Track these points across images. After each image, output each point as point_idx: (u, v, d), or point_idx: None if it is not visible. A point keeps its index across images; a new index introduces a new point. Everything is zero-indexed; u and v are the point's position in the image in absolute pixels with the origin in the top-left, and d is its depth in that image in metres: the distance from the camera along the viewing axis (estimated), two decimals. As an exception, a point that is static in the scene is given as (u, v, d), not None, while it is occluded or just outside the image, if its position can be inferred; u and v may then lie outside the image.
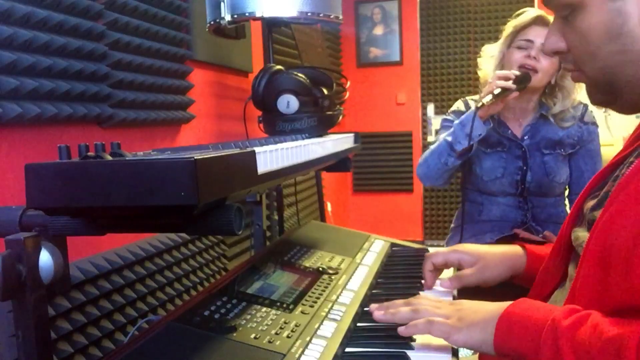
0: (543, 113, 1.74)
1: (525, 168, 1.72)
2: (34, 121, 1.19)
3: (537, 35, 1.65)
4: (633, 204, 0.70)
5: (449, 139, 1.65)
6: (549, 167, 1.72)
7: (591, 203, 0.86)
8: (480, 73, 1.82)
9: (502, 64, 1.73)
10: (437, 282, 1.12)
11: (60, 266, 0.69)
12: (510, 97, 1.59)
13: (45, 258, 0.67)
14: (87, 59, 1.37)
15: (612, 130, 3.64)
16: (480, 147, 1.73)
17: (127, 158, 0.64)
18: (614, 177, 0.83)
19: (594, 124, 1.77)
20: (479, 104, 1.58)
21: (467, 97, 1.86)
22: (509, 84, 1.57)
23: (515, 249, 1.09)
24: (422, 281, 1.11)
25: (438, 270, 1.12)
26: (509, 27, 1.72)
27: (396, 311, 0.85)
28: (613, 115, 3.77)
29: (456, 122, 1.65)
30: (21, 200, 0.64)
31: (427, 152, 1.74)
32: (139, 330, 1.07)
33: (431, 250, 1.40)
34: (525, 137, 1.75)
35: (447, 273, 1.15)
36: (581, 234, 0.85)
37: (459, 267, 1.10)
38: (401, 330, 0.81)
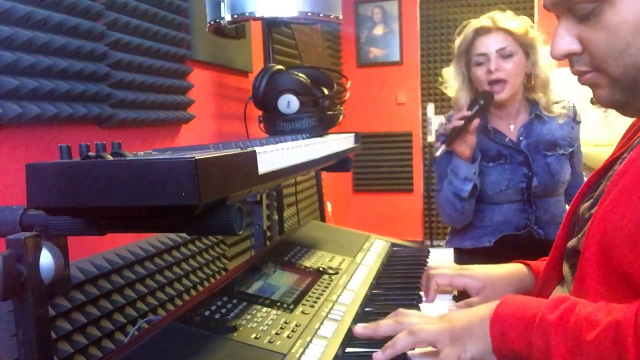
0: (537, 113, 1.72)
1: (530, 174, 1.69)
2: (34, 121, 1.19)
3: (488, 45, 1.64)
4: (632, 192, 0.70)
5: (452, 189, 1.65)
6: (553, 169, 1.69)
7: (586, 204, 0.86)
8: (448, 93, 1.80)
9: (469, 83, 1.72)
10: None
11: (61, 266, 0.69)
12: (474, 126, 1.59)
13: (45, 258, 0.67)
14: (87, 59, 1.37)
15: (612, 130, 3.63)
16: (482, 162, 1.69)
17: (128, 158, 0.64)
18: (607, 177, 0.83)
19: (580, 122, 1.77)
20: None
21: (450, 112, 1.79)
22: (459, 123, 1.58)
23: (519, 267, 1.07)
24: (421, 292, 1.08)
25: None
26: (455, 48, 1.71)
27: (393, 342, 0.78)
28: (613, 115, 3.76)
29: (449, 170, 1.66)
30: (22, 200, 0.64)
31: (441, 200, 1.72)
32: (139, 330, 1.07)
33: (432, 251, 1.41)
34: (521, 139, 1.72)
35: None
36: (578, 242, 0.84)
37: (463, 290, 1.05)
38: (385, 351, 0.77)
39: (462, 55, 1.70)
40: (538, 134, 1.71)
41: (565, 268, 0.89)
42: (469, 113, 1.58)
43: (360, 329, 0.84)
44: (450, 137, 1.59)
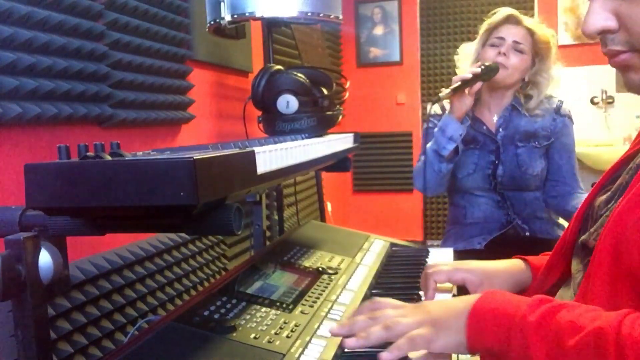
0: (514, 104, 1.78)
1: (497, 162, 1.76)
2: (34, 121, 1.19)
3: (509, 34, 1.73)
4: None
5: (435, 147, 1.69)
6: (521, 160, 1.75)
7: (603, 198, 0.83)
8: (458, 72, 1.84)
9: (477, 61, 1.77)
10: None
11: (60, 266, 0.69)
12: (475, 88, 1.63)
13: (44, 258, 0.67)
14: (87, 59, 1.37)
15: (612, 130, 3.63)
16: None
17: (126, 158, 0.64)
18: (627, 169, 0.81)
19: (570, 118, 1.80)
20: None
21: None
22: (467, 75, 1.61)
23: (517, 263, 1.05)
24: (421, 292, 1.07)
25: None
26: (484, 26, 1.79)
27: (367, 334, 0.76)
28: (613, 115, 3.78)
29: (436, 129, 1.70)
30: (21, 201, 0.64)
31: (419, 164, 1.77)
32: (139, 330, 1.07)
33: (431, 251, 1.41)
34: (499, 129, 1.79)
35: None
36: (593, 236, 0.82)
37: (462, 286, 1.04)
38: (384, 356, 0.73)
39: (484, 34, 1.78)
40: (517, 124, 1.78)
41: (574, 263, 0.87)
42: (478, 70, 1.63)
43: (337, 329, 0.82)
44: (457, 88, 1.61)
